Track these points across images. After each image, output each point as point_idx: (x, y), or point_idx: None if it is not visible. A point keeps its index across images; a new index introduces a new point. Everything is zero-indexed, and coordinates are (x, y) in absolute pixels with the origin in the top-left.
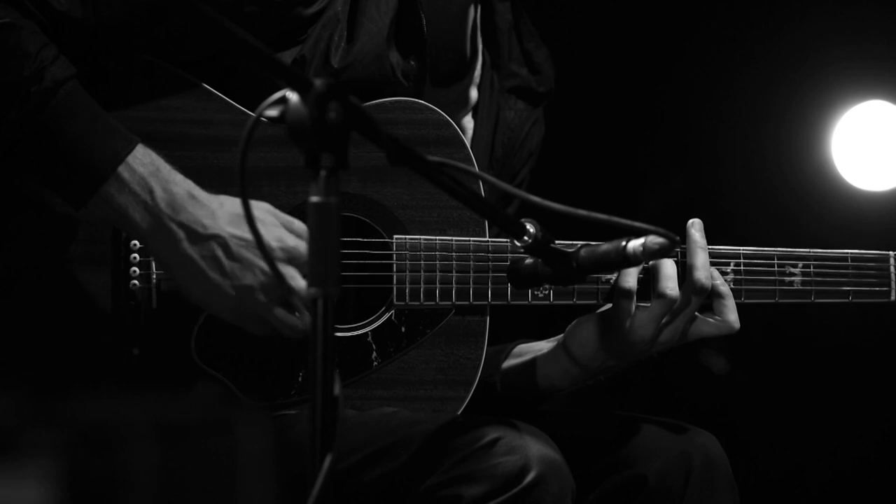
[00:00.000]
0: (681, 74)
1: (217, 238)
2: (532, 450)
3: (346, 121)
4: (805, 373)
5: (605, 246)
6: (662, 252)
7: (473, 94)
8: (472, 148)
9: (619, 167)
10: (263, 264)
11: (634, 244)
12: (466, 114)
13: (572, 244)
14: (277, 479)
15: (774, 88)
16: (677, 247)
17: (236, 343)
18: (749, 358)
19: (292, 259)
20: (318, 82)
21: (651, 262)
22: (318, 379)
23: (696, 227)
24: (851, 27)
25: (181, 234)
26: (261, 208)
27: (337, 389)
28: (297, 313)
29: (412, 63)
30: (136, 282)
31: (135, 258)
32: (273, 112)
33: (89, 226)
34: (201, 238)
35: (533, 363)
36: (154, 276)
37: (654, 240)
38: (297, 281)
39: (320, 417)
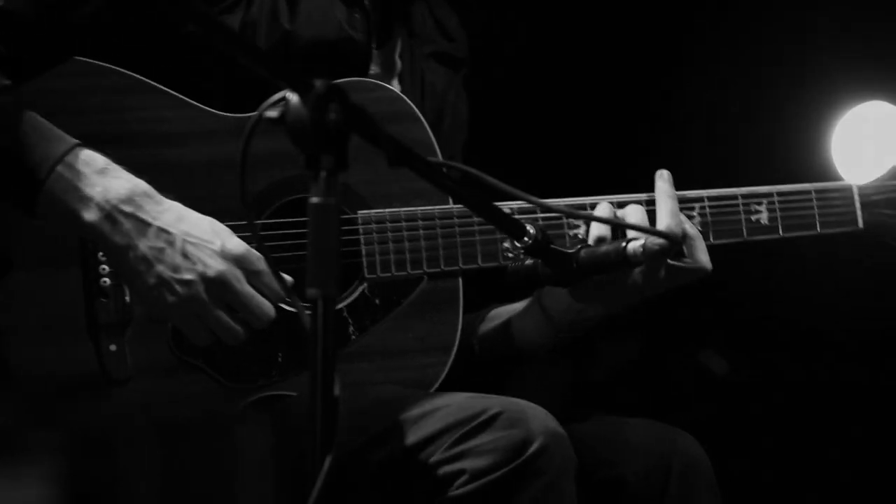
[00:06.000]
0: (680, 74)
1: (167, 233)
2: (534, 422)
3: (346, 122)
4: (805, 373)
5: (605, 247)
6: (663, 252)
7: (398, 61)
8: None
9: (619, 167)
10: (210, 262)
11: (634, 245)
12: (393, 80)
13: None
14: (276, 474)
15: (774, 88)
16: (677, 247)
17: None
18: (748, 358)
19: (238, 261)
20: (319, 83)
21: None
22: (318, 379)
23: (663, 178)
24: (852, 28)
25: (129, 224)
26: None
27: (337, 390)
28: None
29: (356, 16)
30: (106, 279)
31: (102, 256)
32: (273, 113)
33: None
34: (151, 230)
35: (508, 322)
36: None
37: (654, 240)
38: (243, 285)
39: (320, 418)
